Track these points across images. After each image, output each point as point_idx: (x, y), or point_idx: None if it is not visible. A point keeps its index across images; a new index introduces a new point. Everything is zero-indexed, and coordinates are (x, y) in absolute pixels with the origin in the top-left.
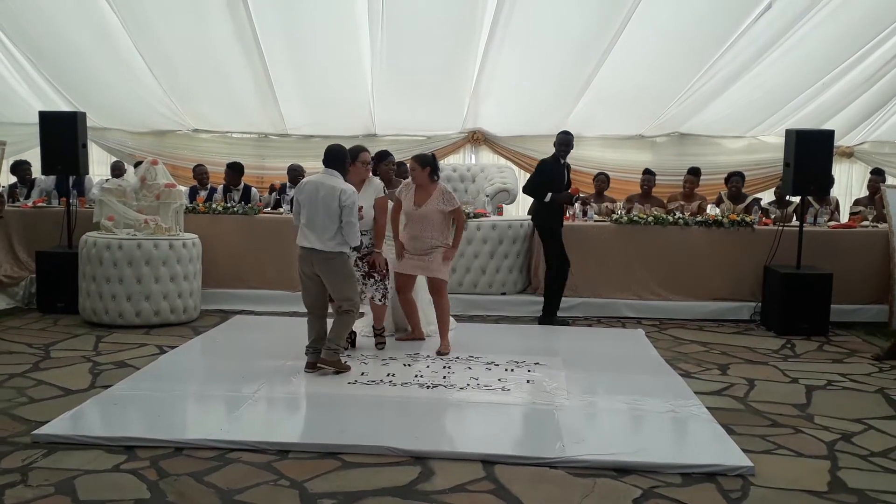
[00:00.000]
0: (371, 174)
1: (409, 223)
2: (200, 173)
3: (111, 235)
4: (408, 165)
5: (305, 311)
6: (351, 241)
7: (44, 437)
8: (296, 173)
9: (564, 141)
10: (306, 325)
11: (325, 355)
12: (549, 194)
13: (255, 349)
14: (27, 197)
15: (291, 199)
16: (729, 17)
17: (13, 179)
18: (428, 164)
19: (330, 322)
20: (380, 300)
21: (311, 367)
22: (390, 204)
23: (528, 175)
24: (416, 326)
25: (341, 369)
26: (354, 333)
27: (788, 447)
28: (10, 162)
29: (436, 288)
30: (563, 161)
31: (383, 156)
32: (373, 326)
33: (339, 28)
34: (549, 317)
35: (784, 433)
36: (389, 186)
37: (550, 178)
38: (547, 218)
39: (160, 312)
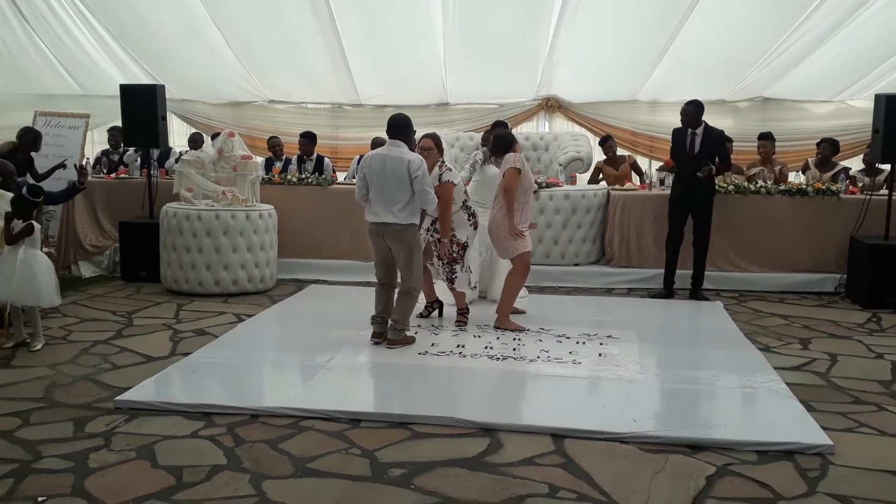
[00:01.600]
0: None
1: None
2: (275, 145)
3: (190, 206)
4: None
5: (376, 283)
6: (429, 207)
7: (126, 402)
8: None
9: (682, 111)
10: (375, 294)
11: (391, 335)
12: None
13: (329, 318)
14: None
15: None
16: None
17: (105, 147)
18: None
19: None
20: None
21: (378, 336)
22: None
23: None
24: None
25: (409, 343)
26: (441, 303)
27: (871, 425)
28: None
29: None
30: (691, 130)
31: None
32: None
33: None
34: (701, 290)
35: (867, 410)
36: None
37: (674, 145)
38: (707, 191)
39: (238, 281)
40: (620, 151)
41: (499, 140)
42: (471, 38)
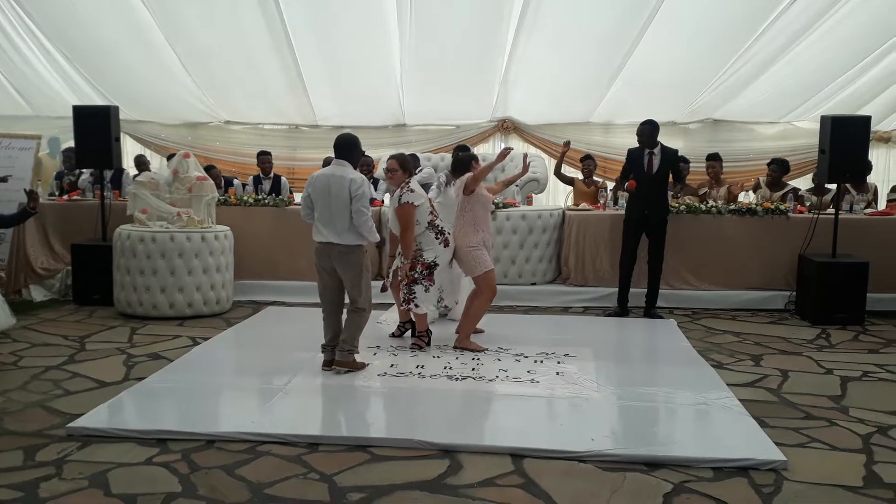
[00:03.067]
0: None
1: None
2: (214, 177)
3: (144, 228)
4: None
5: (322, 309)
6: (362, 229)
7: (78, 429)
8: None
9: (638, 131)
10: (323, 321)
11: (339, 356)
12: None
13: (287, 340)
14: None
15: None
16: (762, 2)
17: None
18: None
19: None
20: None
21: (328, 365)
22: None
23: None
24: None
25: (356, 369)
26: (430, 332)
27: (823, 440)
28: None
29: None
30: (648, 150)
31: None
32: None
33: (367, 18)
34: (655, 308)
35: (818, 426)
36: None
37: (630, 166)
38: (662, 211)
39: (193, 304)
40: (574, 172)
41: (458, 162)
42: (427, 59)
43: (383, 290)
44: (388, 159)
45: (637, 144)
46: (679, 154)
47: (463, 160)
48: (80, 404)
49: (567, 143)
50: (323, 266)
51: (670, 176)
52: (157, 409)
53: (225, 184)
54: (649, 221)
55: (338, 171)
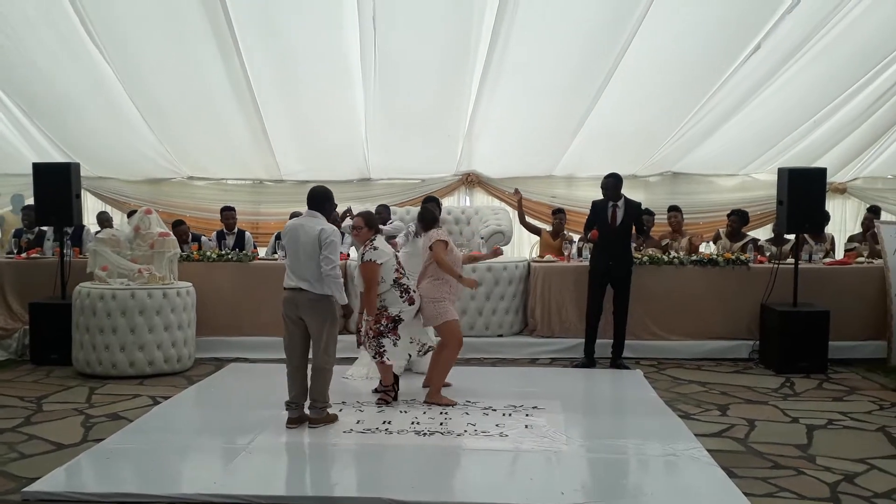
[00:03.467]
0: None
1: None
2: (181, 233)
3: (105, 286)
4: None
5: (286, 364)
6: (335, 289)
7: (34, 494)
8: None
9: (603, 184)
10: (287, 377)
11: (312, 415)
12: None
13: (250, 398)
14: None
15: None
16: (719, 57)
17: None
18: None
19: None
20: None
21: (294, 423)
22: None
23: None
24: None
25: (331, 422)
26: (397, 385)
27: (791, 489)
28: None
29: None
30: (612, 203)
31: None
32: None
33: (332, 74)
34: (621, 359)
35: (786, 475)
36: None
37: (594, 217)
38: (626, 263)
39: (154, 362)
40: (542, 224)
41: (424, 213)
42: (392, 115)
43: (359, 345)
44: (355, 217)
45: (601, 197)
46: (642, 207)
47: (429, 214)
48: (36, 468)
49: (516, 192)
50: (290, 315)
51: (633, 228)
52: (116, 472)
53: (192, 240)
54: (613, 273)
55: (309, 222)
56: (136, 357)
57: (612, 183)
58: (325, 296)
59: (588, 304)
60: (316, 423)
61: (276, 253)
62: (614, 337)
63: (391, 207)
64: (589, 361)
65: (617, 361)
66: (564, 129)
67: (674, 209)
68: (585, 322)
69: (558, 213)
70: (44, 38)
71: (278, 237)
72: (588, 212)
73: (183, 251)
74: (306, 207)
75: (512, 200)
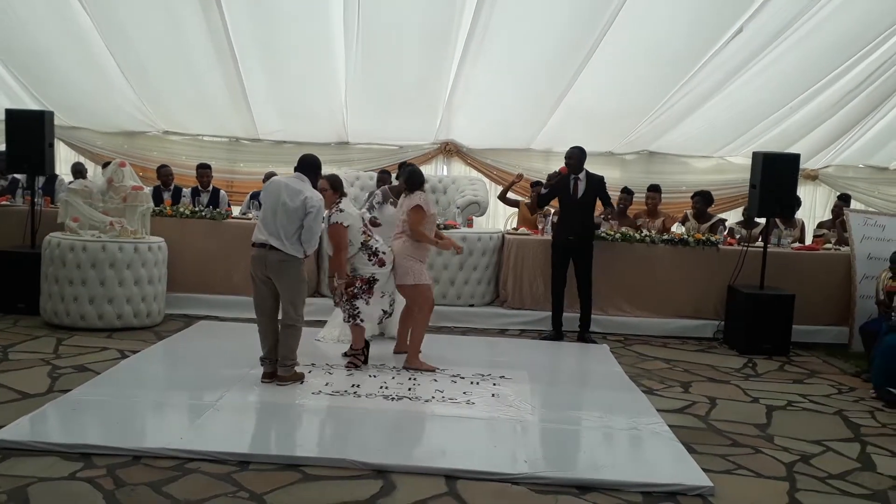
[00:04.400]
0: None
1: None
2: (166, 174)
3: (75, 237)
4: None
5: (256, 316)
6: (307, 247)
7: None
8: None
9: (567, 154)
10: (259, 330)
11: (281, 372)
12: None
13: (219, 356)
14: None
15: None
16: (700, 39)
17: None
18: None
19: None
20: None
21: (269, 376)
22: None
23: (498, 188)
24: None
25: (298, 380)
26: (368, 349)
27: (748, 467)
28: None
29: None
30: (574, 176)
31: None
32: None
33: (314, 35)
34: (588, 333)
35: (744, 453)
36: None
37: (553, 192)
38: (587, 237)
39: (123, 316)
40: (517, 197)
41: (412, 175)
42: (372, 80)
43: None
44: (320, 180)
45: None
46: (604, 181)
47: (419, 176)
48: (0, 416)
49: (520, 176)
50: (258, 275)
51: (598, 202)
52: (81, 423)
53: (175, 190)
54: (574, 247)
55: (295, 183)
56: (104, 310)
57: (577, 154)
58: (294, 257)
59: (553, 277)
60: (284, 380)
61: (249, 211)
62: (581, 311)
63: (368, 172)
64: (557, 334)
65: (584, 335)
66: (544, 103)
67: (653, 189)
68: (552, 295)
69: (536, 186)
70: None
71: (253, 196)
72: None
73: (169, 189)
74: (286, 169)
75: (492, 173)
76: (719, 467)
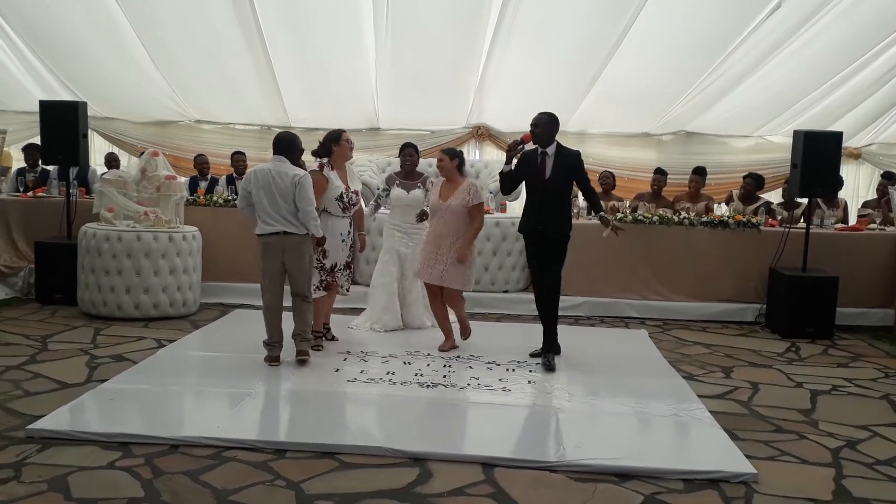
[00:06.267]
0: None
1: (434, 218)
2: (201, 163)
3: (110, 227)
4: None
5: (264, 300)
6: (312, 227)
7: (38, 431)
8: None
9: (533, 122)
10: (266, 315)
11: (304, 346)
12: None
13: (255, 344)
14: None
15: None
16: (738, 16)
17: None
18: (455, 156)
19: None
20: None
21: (276, 360)
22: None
23: None
24: (447, 334)
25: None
26: (328, 327)
27: (792, 454)
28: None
29: (450, 297)
30: (541, 150)
31: (404, 146)
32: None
33: (343, 21)
34: (551, 354)
35: (788, 439)
36: (410, 178)
37: (520, 168)
38: (561, 224)
39: (159, 305)
40: None
41: (459, 154)
42: (403, 64)
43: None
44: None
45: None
46: (580, 157)
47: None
48: (40, 406)
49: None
50: (272, 262)
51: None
52: (120, 412)
53: (211, 180)
54: (545, 237)
55: (279, 167)
56: (141, 299)
57: (546, 121)
58: (306, 235)
59: (532, 278)
60: (306, 354)
61: (228, 194)
62: (543, 324)
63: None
64: (548, 347)
65: (547, 358)
66: (577, 84)
67: (698, 171)
68: (536, 301)
69: None
70: None
71: (229, 181)
72: (599, 169)
73: (206, 178)
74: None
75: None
76: (763, 454)
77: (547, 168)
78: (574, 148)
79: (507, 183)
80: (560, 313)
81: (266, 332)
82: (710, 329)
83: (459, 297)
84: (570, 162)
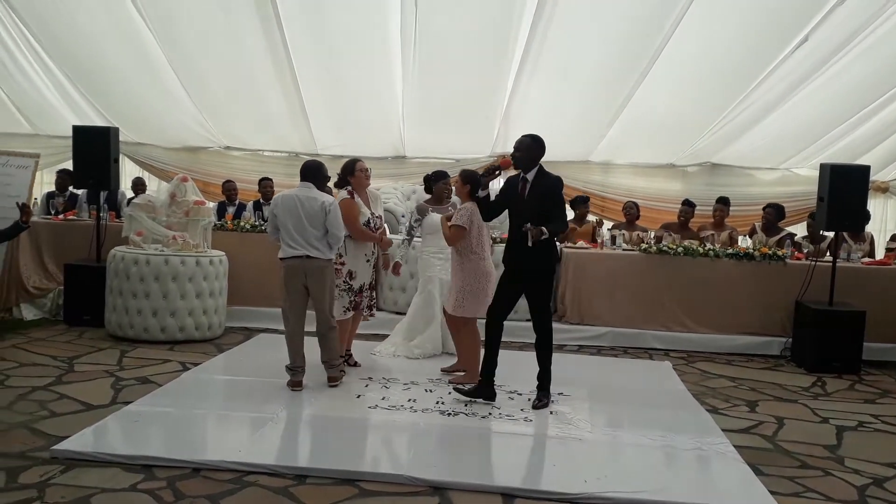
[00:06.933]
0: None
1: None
2: (229, 189)
3: (139, 250)
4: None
5: (286, 325)
6: (336, 247)
7: (63, 452)
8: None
9: (515, 145)
10: (288, 339)
11: (334, 373)
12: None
13: (278, 369)
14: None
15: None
16: (764, 49)
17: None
18: (468, 181)
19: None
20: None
21: (299, 385)
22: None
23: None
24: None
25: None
26: (350, 353)
27: (818, 490)
28: (55, 170)
29: (450, 321)
30: (523, 175)
31: (440, 175)
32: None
33: (371, 50)
34: (545, 400)
35: (813, 475)
36: (440, 204)
37: (502, 196)
38: (544, 258)
39: (185, 328)
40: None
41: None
42: (429, 93)
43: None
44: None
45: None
46: (559, 185)
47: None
48: (65, 426)
49: (495, 167)
50: (294, 285)
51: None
52: (143, 435)
53: (239, 206)
54: (528, 271)
55: (308, 193)
56: (167, 322)
57: (528, 144)
58: (328, 260)
59: (491, 303)
60: (336, 380)
61: (255, 220)
62: (539, 363)
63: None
64: (484, 388)
65: (540, 399)
66: (603, 115)
67: (721, 201)
68: (486, 327)
69: (582, 203)
70: (89, 5)
71: (256, 207)
72: (624, 199)
73: (234, 203)
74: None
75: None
76: (787, 490)
77: (525, 194)
78: (598, 177)
79: (484, 211)
80: (582, 343)
81: (289, 356)
82: (735, 362)
83: (461, 324)
84: (545, 189)
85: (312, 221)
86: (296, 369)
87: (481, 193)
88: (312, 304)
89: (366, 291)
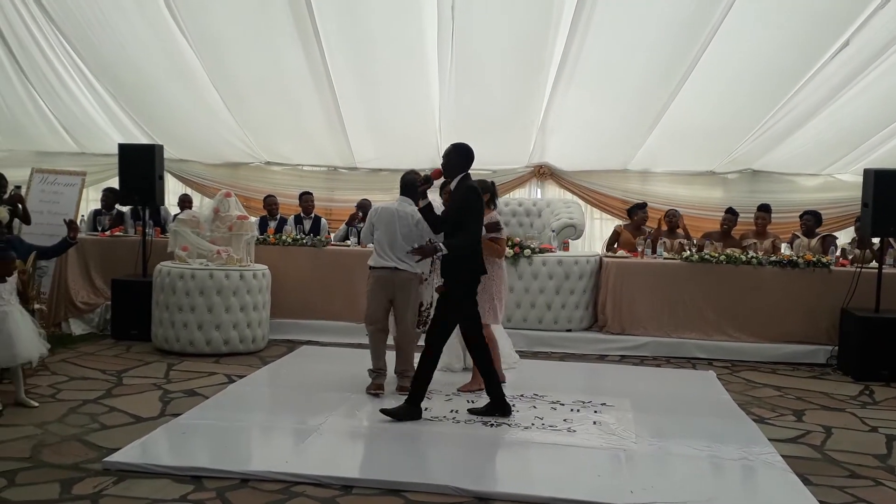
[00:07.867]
0: None
1: None
2: (271, 203)
3: (184, 265)
4: None
5: (370, 329)
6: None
7: (114, 464)
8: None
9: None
10: (372, 343)
11: (405, 384)
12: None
13: (322, 380)
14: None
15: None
16: (804, 54)
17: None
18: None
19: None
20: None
21: (380, 388)
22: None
23: (594, 210)
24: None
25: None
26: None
27: (869, 500)
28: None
29: None
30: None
31: (641, 205)
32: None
33: (408, 63)
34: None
35: (864, 485)
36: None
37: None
38: (455, 271)
39: (230, 342)
40: (611, 219)
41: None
42: (466, 104)
43: None
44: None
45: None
46: (472, 192)
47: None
48: (116, 439)
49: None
50: (380, 293)
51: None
52: (191, 446)
53: (280, 220)
54: (446, 279)
55: (404, 207)
56: (212, 336)
57: (448, 152)
58: (415, 273)
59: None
60: (407, 390)
61: (347, 239)
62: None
63: None
64: (410, 407)
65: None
66: (641, 123)
67: (763, 208)
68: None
69: (637, 210)
70: (133, 24)
71: (349, 223)
72: (664, 207)
73: (275, 218)
74: (382, 196)
75: (587, 195)
76: (837, 500)
77: (448, 204)
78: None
79: (430, 224)
80: (622, 353)
81: (371, 360)
82: (780, 371)
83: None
84: (458, 198)
85: (406, 235)
86: (378, 371)
87: (421, 203)
88: (394, 315)
89: (427, 310)
